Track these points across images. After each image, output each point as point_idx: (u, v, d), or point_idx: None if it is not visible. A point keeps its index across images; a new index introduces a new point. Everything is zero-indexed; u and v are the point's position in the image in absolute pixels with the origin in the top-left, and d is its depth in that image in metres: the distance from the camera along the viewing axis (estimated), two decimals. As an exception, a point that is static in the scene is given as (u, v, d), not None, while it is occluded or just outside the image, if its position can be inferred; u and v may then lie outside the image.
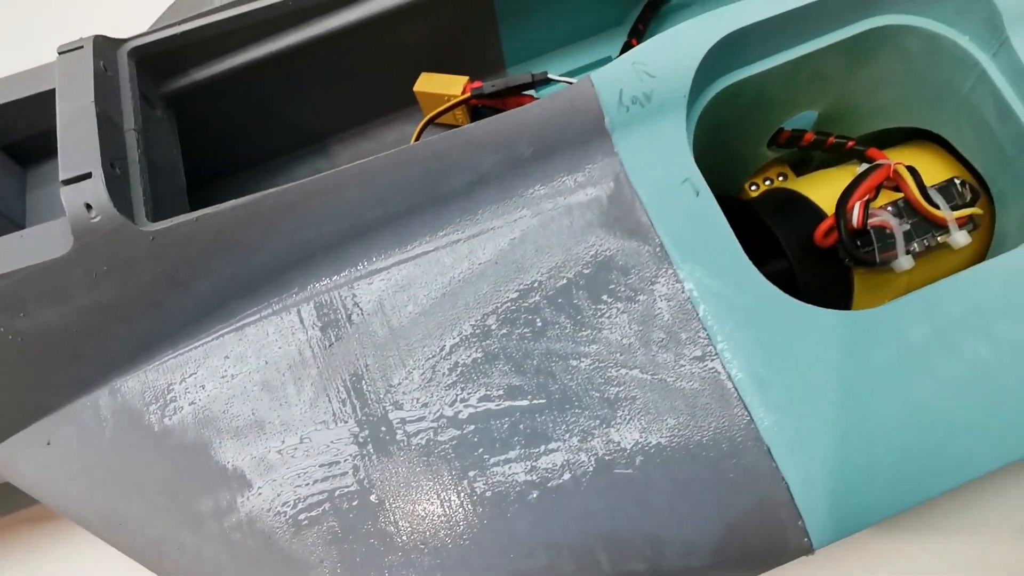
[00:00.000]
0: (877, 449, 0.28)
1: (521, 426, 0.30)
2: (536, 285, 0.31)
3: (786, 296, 0.30)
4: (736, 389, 0.29)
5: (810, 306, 0.30)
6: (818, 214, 0.38)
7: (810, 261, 0.37)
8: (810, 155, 0.44)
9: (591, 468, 0.29)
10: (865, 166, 0.38)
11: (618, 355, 0.30)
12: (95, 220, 0.29)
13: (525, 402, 0.30)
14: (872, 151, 0.40)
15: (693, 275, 0.30)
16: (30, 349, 0.31)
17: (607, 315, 0.31)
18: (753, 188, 0.44)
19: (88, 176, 0.29)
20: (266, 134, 0.47)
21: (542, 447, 0.29)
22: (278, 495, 0.30)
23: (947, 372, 0.28)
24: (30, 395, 0.33)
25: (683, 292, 0.30)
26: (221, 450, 0.31)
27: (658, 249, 0.31)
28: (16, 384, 0.33)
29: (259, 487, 0.31)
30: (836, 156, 0.42)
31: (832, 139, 0.41)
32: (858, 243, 0.35)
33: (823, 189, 0.39)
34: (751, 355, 0.29)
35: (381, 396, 0.31)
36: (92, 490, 0.33)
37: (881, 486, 0.27)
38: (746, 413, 0.29)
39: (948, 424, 0.28)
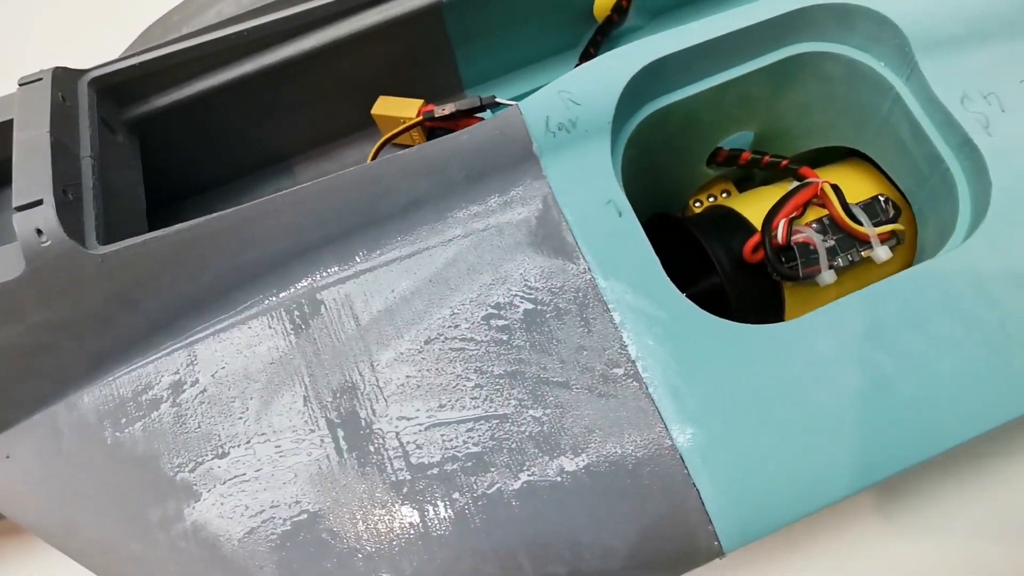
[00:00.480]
0: (783, 456, 0.29)
1: (449, 439, 0.31)
2: (466, 303, 0.33)
3: (702, 311, 0.32)
4: (653, 402, 0.30)
5: (724, 320, 0.31)
6: (751, 230, 0.39)
7: (741, 276, 0.38)
8: (753, 172, 0.46)
9: (515, 477, 0.30)
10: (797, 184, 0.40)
11: (544, 370, 0.32)
12: (45, 244, 0.31)
13: (453, 415, 0.32)
14: (804, 169, 0.42)
15: (615, 292, 0.32)
16: (-13, 366, 0.33)
17: (534, 331, 0.32)
18: (697, 205, 0.46)
19: (39, 203, 0.31)
20: (230, 155, 0.49)
21: (469, 459, 0.31)
22: (222, 504, 0.32)
23: (849, 382, 0.30)
24: (-11, 410, 0.35)
25: (606, 309, 0.32)
26: (169, 462, 0.33)
27: (583, 268, 0.33)
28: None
29: (204, 497, 0.32)
30: (773, 174, 0.44)
31: (768, 158, 0.43)
32: (783, 259, 0.37)
33: (758, 206, 0.41)
34: (667, 368, 0.31)
35: (320, 409, 0.32)
36: (49, 501, 0.34)
37: (786, 491, 0.29)
38: (662, 424, 0.30)
39: (849, 432, 0.29)
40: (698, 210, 0.46)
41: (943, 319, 0.30)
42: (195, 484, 0.32)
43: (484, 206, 0.34)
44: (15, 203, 0.31)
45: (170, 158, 0.45)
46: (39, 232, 0.31)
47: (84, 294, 0.32)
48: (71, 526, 0.34)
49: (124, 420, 0.34)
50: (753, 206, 0.41)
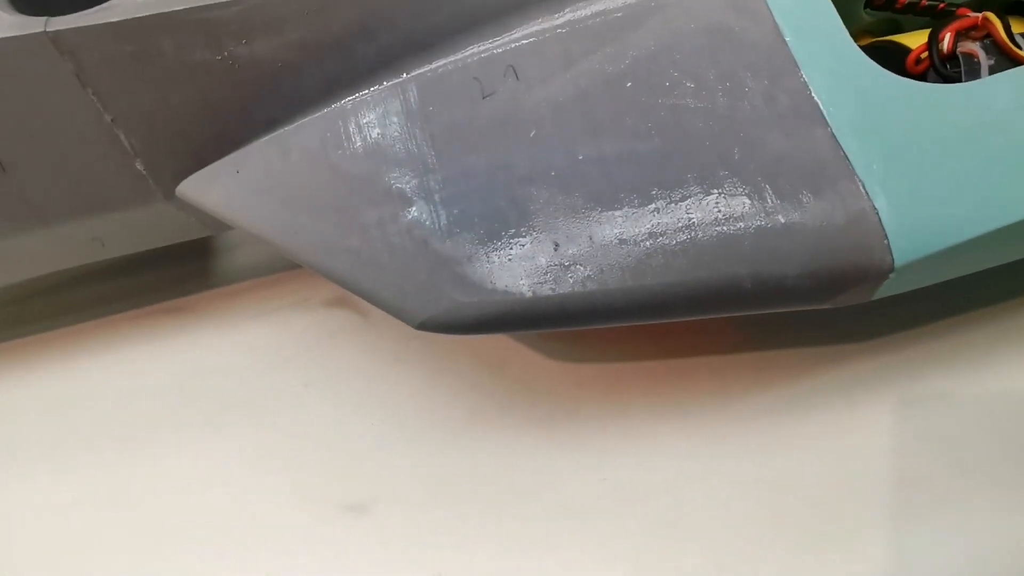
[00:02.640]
0: (954, 186, 0.32)
1: (651, 172, 0.35)
2: (661, 50, 0.36)
3: (886, 71, 0.35)
4: (836, 140, 0.34)
5: (905, 79, 0.35)
6: (909, 53, 0.42)
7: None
8: (903, 20, 0.49)
9: (707, 194, 0.34)
10: (956, 21, 0.43)
11: (734, 111, 0.35)
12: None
13: (653, 150, 0.35)
14: (962, 10, 0.45)
15: (804, 52, 0.36)
16: (242, 78, 0.38)
17: (725, 81, 0.36)
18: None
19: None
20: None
21: (671, 190, 0.34)
22: (435, 211, 0.36)
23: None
24: (229, 127, 0.39)
25: (795, 66, 0.35)
26: (386, 177, 0.37)
27: (772, 27, 0.36)
28: (222, 112, 0.39)
29: (417, 203, 0.36)
30: (928, 18, 0.47)
31: (924, 1, 0.46)
32: (947, 66, 0.40)
33: (914, 40, 0.44)
34: (853, 114, 0.34)
35: (531, 144, 0.36)
36: (273, 208, 0.39)
37: (953, 214, 0.32)
38: (845, 160, 0.33)
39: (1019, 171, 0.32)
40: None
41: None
42: (410, 195, 0.37)
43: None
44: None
45: None
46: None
47: (335, 16, 0.37)
48: (293, 227, 0.38)
49: (346, 142, 0.38)
50: (910, 40, 0.44)
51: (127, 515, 0.45)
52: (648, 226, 0.34)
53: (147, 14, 0.35)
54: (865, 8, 0.47)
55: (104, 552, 0.44)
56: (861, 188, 0.32)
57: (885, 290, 0.34)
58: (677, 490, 0.43)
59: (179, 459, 0.47)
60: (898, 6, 0.47)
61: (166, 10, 0.35)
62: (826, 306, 0.34)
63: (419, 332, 0.36)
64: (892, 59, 0.44)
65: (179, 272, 0.55)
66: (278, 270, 0.55)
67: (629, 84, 0.36)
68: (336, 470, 0.46)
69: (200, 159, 0.40)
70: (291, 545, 0.43)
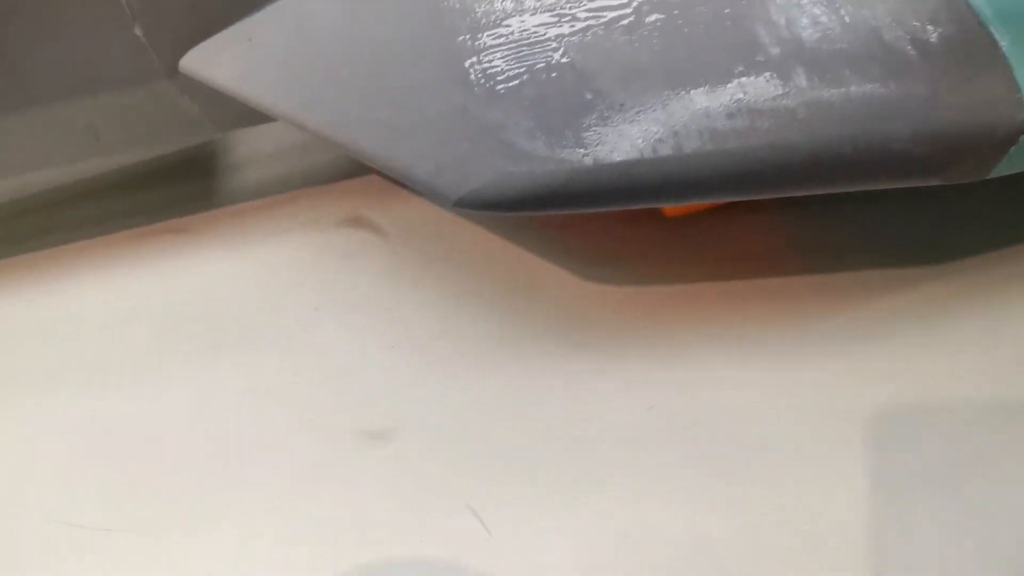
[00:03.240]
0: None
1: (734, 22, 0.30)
2: None
3: None
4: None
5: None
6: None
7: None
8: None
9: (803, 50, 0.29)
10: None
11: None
12: None
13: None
14: None
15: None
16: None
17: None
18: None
19: None
20: None
21: (757, 40, 0.30)
22: (480, 73, 0.31)
23: None
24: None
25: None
26: (422, 37, 0.32)
27: None
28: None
29: (458, 66, 0.32)
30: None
31: None
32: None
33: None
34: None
35: None
36: (291, 79, 0.34)
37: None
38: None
39: None
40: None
41: None
42: (449, 56, 0.32)
43: None
44: None
45: None
46: None
47: None
48: (315, 102, 0.33)
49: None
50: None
51: (124, 446, 0.40)
52: (731, 81, 0.29)
53: None
54: None
55: (100, 484, 0.39)
56: (988, 31, 0.28)
57: (1008, 163, 0.29)
58: (735, 419, 0.38)
59: (180, 387, 0.42)
60: None
61: None
62: (936, 181, 0.29)
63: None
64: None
65: (181, 191, 0.50)
66: (286, 189, 0.50)
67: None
68: (352, 397, 0.41)
69: (207, 26, 0.35)
70: (300, 474, 0.38)
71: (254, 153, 0.51)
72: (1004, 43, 0.27)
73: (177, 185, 0.51)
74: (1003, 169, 0.29)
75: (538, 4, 0.31)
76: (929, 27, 0.28)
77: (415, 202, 0.47)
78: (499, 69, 0.31)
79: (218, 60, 0.35)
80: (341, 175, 0.50)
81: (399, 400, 0.40)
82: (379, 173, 0.46)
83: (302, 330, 0.44)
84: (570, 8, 0.31)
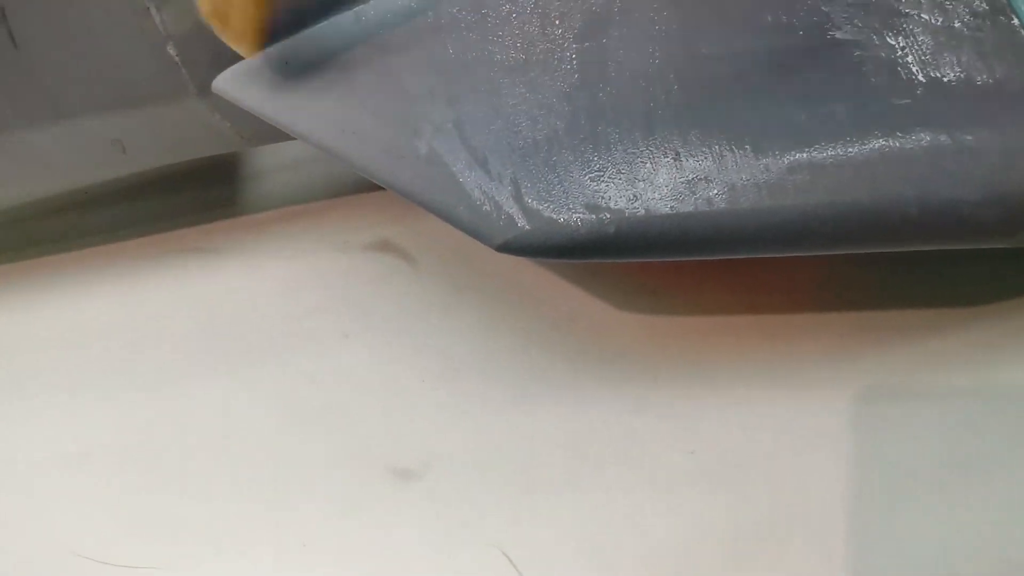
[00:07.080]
0: None
1: (796, 67, 0.29)
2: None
3: None
4: None
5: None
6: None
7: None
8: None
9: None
10: None
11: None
12: None
13: (797, 42, 0.29)
14: None
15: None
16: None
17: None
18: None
19: None
20: None
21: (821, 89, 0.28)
22: (529, 113, 0.30)
23: None
24: (279, 8, 0.33)
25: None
26: (470, 70, 0.31)
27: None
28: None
29: (508, 104, 0.30)
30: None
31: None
32: None
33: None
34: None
35: (644, 33, 0.30)
36: (329, 108, 0.33)
37: None
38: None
39: None
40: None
41: None
42: (498, 92, 0.31)
43: None
44: None
45: None
46: None
47: None
48: (353, 133, 0.32)
49: (425, 30, 0.32)
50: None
51: (140, 469, 0.39)
52: (792, 134, 0.28)
53: None
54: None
55: (116, 507, 0.38)
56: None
57: None
58: (781, 466, 0.37)
59: (201, 411, 0.41)
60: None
61: None
62: (1006, 244, 0.28)
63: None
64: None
65: (203, 196, 0.49)
66: (311, 199, 0.49)
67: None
68: (381, 430, 0.40)
69: (242, 49, 0.34)
70: (328, 512, 0.37)
71: (279, 160, 0.50)
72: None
73: (199, 190, 0.50)
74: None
75: (595, 50, 0.30)
76: (1002, 84, 0.27)
77: (444, 226, 0.45)
78: (551, 111, 0.29)
79: (253, 83, 0.34)
80: (367, 187, 0.48)
81: (429, 435, 0.39)
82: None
83: (329, 357, 0.43)
84: (619, 50, 0.29)
